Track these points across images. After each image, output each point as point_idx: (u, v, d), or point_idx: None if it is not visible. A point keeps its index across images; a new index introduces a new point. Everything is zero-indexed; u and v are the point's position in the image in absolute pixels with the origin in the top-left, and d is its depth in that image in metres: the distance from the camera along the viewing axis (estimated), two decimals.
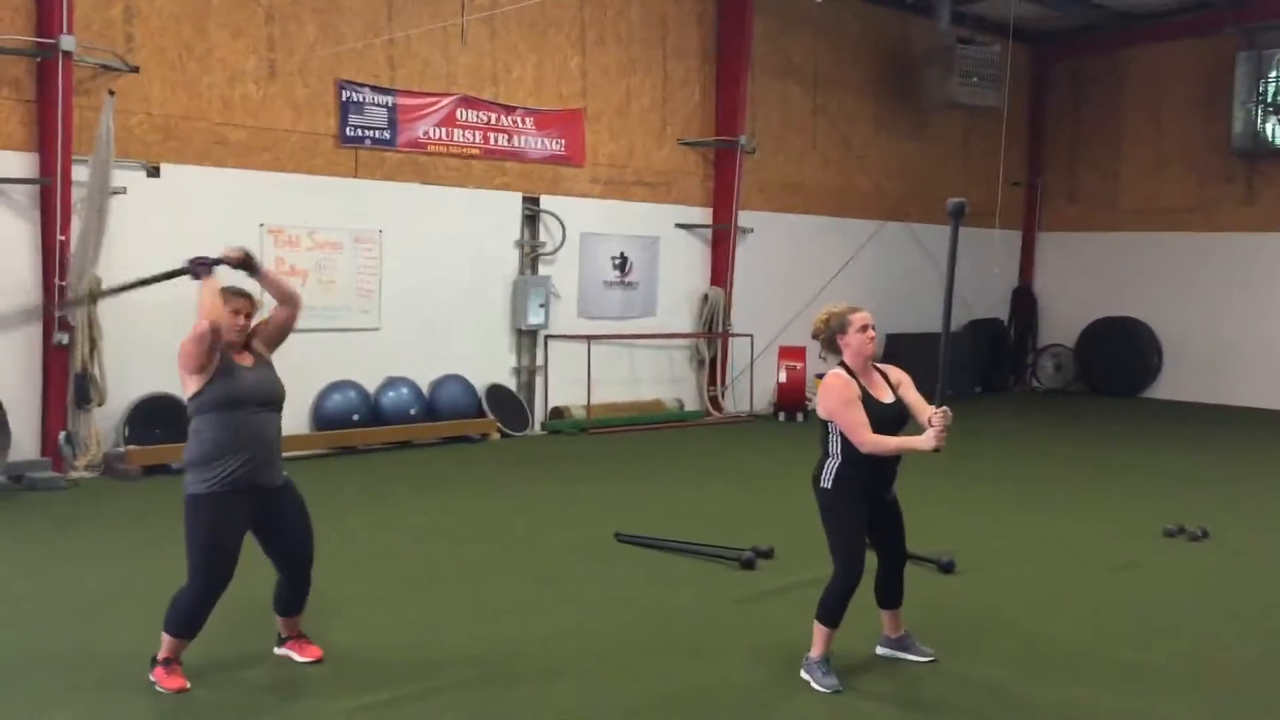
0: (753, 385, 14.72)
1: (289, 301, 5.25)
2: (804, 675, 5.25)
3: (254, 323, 5.12)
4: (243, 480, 4.91)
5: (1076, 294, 18.83)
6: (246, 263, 5.14)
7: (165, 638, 4.97)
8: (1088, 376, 18.54)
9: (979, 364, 18.13)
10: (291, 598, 5.27)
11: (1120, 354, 18.05)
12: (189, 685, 4.94)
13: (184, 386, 4.97)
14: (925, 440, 5.02)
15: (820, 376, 5.76)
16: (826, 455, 5.21)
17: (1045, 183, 19.33)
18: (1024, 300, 19.47)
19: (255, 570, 5.27)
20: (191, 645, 5.07)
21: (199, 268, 5.00)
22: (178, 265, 5.07)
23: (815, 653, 5.24)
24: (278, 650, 5.40)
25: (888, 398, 5.25)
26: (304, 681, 5.16)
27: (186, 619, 4.93)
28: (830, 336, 5.33)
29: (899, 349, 16.66)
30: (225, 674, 5.18)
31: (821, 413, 5.25)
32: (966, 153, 17.98)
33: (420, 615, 6.14)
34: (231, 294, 5.02)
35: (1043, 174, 19.32)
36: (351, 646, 5.56)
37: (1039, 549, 8.04)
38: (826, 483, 5.20)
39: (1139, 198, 18.26)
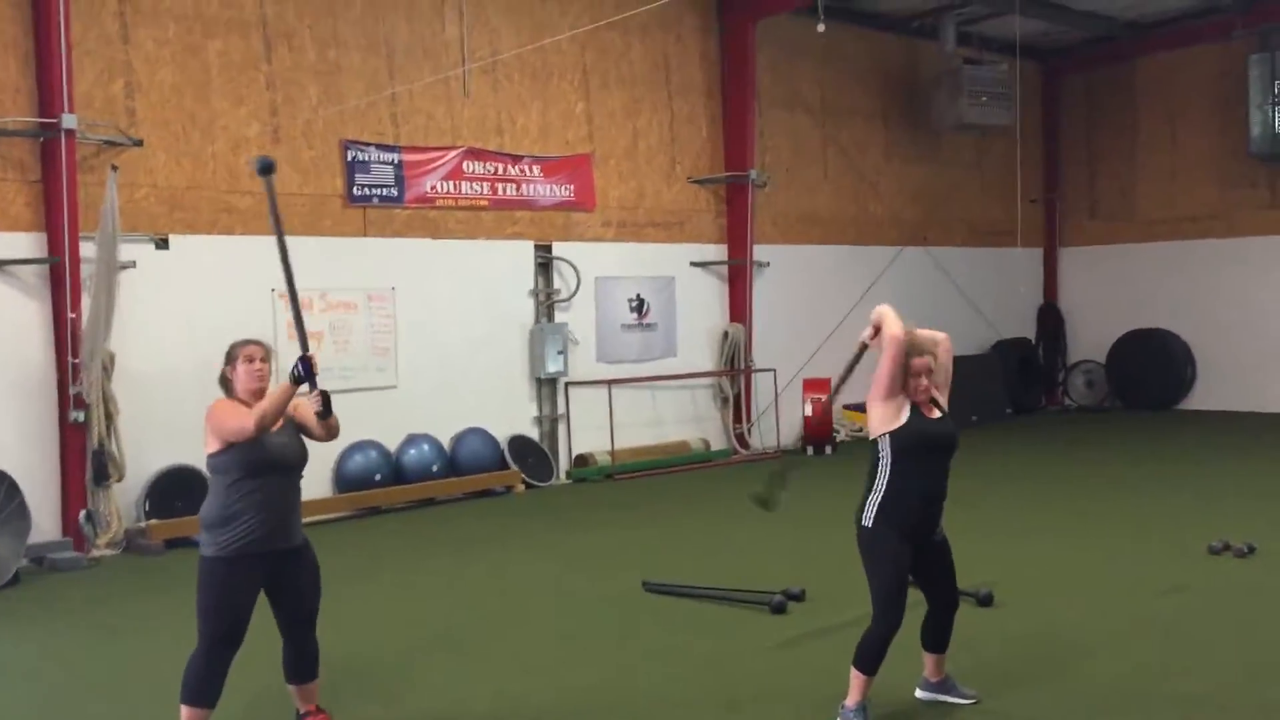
0: (779, 420, 14.52)
1: (330, 437, 5.13)
2: None
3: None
4: (256, 544, 4.83)
5: (1103, 308, 18.56)
6: (324, 406, 4.96)
7: (183, 711, 4.84)
8: (1121, 392, 18.22)
9: (1008, 385, 17.84)
10: (298, 661, 5.12)
11: (1152, 367, 17.74)
12: None
13: (206, 443, 4.89)
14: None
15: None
16: (870, 490, 4.99)
17: (1063, 198, 19.13)
18: (1050, 317, 19.21)
19: (276, 644, 5.11)
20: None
21: (304, 373, 4.81)
22: (300, 357, 4.82)
23: (851, 700, 5.04)
24: None
25: (935, 414, 5.07)
26: None
27: (198, 684, 4.81)
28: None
29: None
30: None
31: (873, 425, 5.00)
32: (982, 173, 17.82)
33: (440, 677, 5.98)
34: (245, 343, 4.99)
35: (1060, 189, 19.12)
36: (372, 716, 5.39)
37: (1080, 574, 7.79)
38: (867, 520, 4.97)
39: (1159, 207, 18.02)
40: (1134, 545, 8.61)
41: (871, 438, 5.07)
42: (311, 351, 4.94)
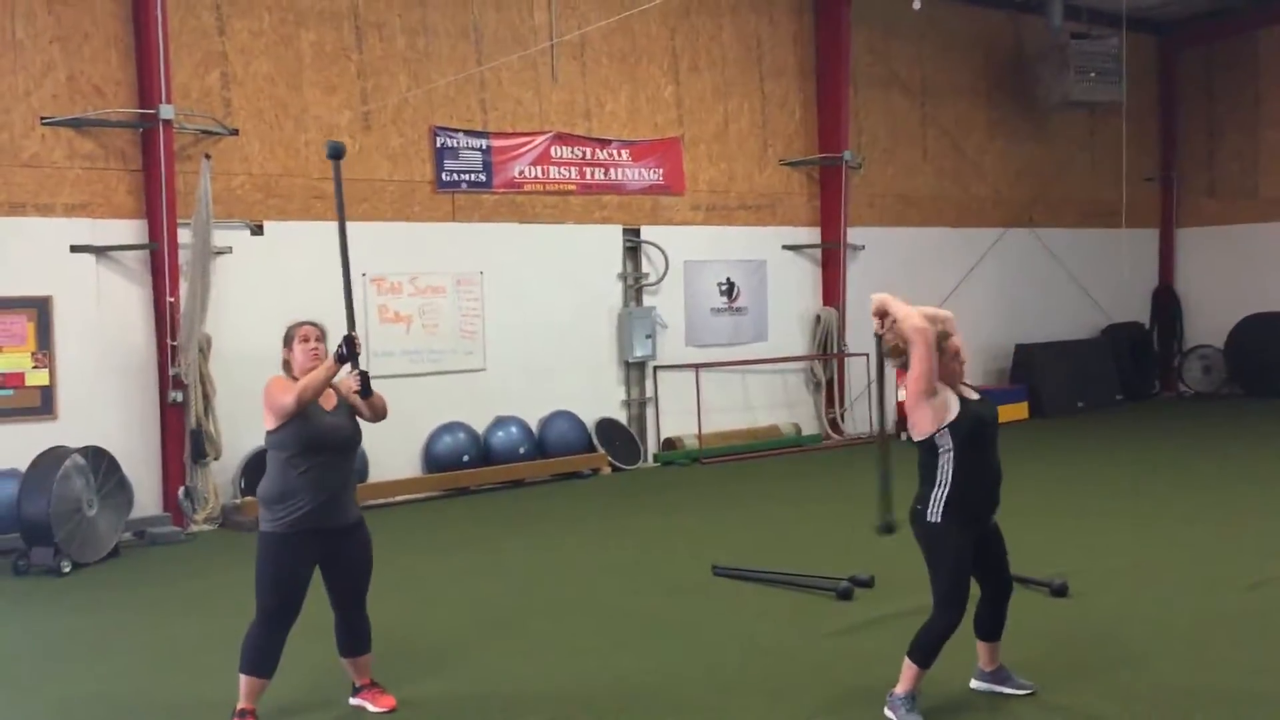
0: (871, 406, 14.30)
1: (377, 418, 5.27)
2: (887, 712, 4.96)
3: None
4: (310, 520, 4.96)
5: (1223, 291, 17.79)
6: (363, 385, 5.13)
7: (241, 680, 5.02)
8: (1240, 378, 17.46)
9: (1120, 370, 17.27)
10: (350, 636, 5.27)
11: (1274, 352, 16.92)
12: None
13: (264, 420, 5.05)
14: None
15: None
16: (933, 485, 4.84)
17: (1181, 177, 18.39)
18: (1166, 301, 18.52)
19: (331, 621, 5.26)
20: (267, 696, 5.10)
21: (347, 353, 5.00)
22: (344, 336, 5.04)
23: (901, 689, 4.95)
24: (352, 701, 5.37)
25: (974, 395, 5.00)
26: None
27: (255, 654, 4.98)
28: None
29: (1029, 360, 16.07)
30: None
31: (924, 424, 4.81)
32: (1092, 151, 17.26)
33: (503, 658, 6.05)
34: (300, 324, 5.14)
35: (1177, 168, 18.38)
36: (429, 693, 5.50)
37: (1166, 567, 7.51)
38: (935, 516, 4.81)
39: None
40: (1229, 539, 8.26)
41: (923, 438, 4.87)
42: (355, 332, 5.08)
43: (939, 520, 4.80)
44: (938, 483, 4.82)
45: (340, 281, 5.29)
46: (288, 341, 5.18)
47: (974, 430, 4.82)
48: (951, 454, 4.80)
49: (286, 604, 4.98)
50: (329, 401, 5.11)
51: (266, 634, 4.99)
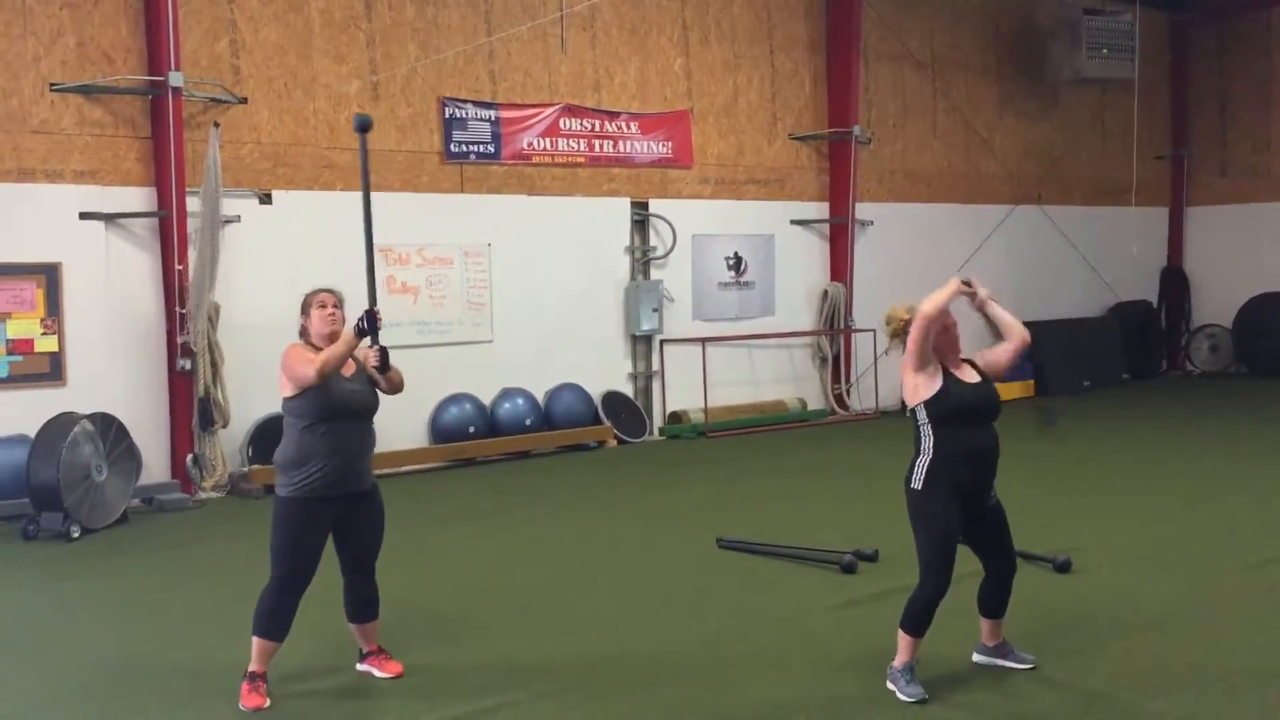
0: (878, 381, 14.30)
1: (393, 391, 5.32)
2: (889, 684, 5.01)
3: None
4: (327, 486, 5.00)
5: (1231, 271, 17.73)
6: (381, 361, 5.17)
7: (254, 643, 5.07)
8: (1248, 357, 17.44)
9: (1126, 348, 17.26)
10: (358, 601, 5.32)
11: None
12: (266, 704, 4.99)
13: (281, 387, 5.08)
14: (949, 284, 4.93)
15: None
16: (918, 453, 4.96)
17: (1192, 155, 18.30)
18: (1174, 280, 18.48)
19: (340, 590, 5.32)
20: (276, 661, 5.14)
21: (368, 326, 5.05)
22: (364, 311, 5.08)
23: (899, 660, 5.00)
24: (359, 667, 5.43)
25: (973, 378, 4.99)
26: (381, 695, 5.17)
27: (268, 617, 5.03)
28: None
29: (1035, 338, 16.00)
30: (306, 687, 5.23)
31: (908, 395, 4.98)
32: (1103, 128, 17.19)
33: (507, 628, 6.10)
34: (316, 291, 5.18)
35: (1188, 146, 18.29)
36: (434, 660, 5.55)
37: (1171, 544, 7.53)
38: (917, 483, 4.92)
39: None
40: (1235, 517, 8.26)
41: (909, 407, 5.02)
42: (377, 307, 5.13)
43: (921, 487, 4.90)
44: (921, 451, 4.94)
45: (357, 252, 5.31)
46: (305, 309, 5.20)
47: (950, 412, 4.87)
48: (929, 427, 4.91)
49: (301, 568, 5.03)
50: (348, 369, 5.12)
51: (279, 598, 5.04)
